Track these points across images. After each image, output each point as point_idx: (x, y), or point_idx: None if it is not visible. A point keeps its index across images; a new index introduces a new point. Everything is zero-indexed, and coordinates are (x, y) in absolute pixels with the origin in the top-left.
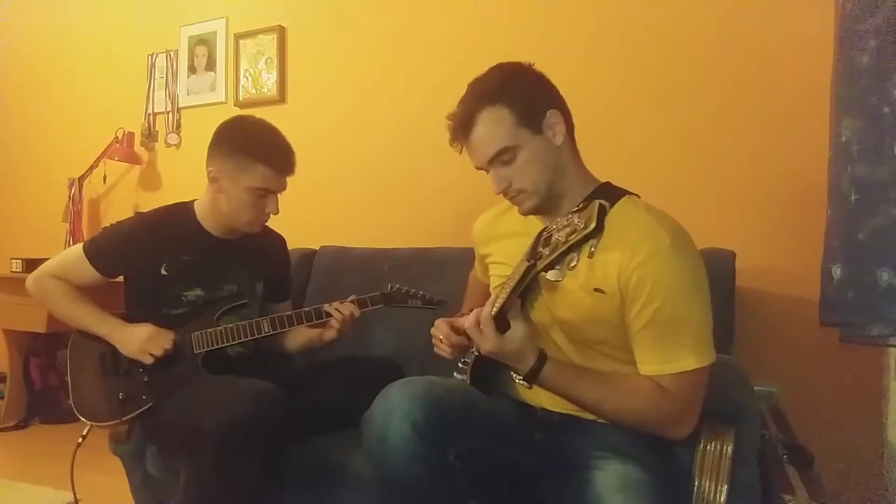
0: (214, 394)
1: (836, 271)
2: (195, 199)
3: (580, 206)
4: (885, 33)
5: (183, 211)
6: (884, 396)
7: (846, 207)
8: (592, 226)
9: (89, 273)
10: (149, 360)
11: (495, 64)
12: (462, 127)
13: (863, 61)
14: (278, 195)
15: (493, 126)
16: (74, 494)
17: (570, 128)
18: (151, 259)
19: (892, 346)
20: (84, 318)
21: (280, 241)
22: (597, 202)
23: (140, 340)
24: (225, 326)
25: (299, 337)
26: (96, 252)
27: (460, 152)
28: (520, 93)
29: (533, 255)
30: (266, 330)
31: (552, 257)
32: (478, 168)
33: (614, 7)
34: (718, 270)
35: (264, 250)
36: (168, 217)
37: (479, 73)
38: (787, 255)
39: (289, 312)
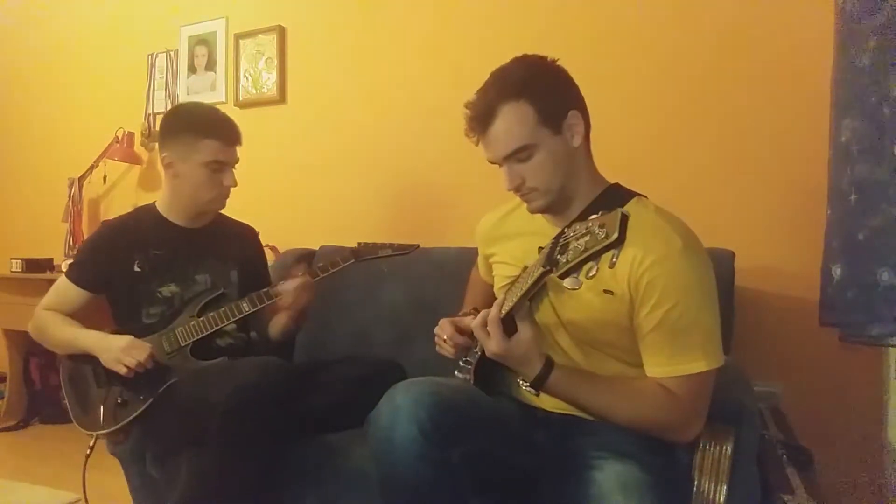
0: (217, 372)
1: (836, 271)
2: (154, 201)
3: (600, 213)
4: (885, 33)
5: (145, 210)
6: (884, 396)
7: (846, 207)
8: (615, 236)
9: (75, 294)
10: (122, 371)
11: (519, 55)
12: (481, 119)
13: (863, 61)
14: (233, 168)
15: (513, 122)
16: (86, 500)
17: (587, 128)
18: (124, 259)
19: (892, 346)
20: (69, 338)
21: (248, 230)
22: (619, 211)
23: (116, 350)
24: (207, 315)
25: (278, 321)
26: (75, 270)
27: (476, 144)
28: (544, 90)
29: (549, 260)
30: (246, 309)
31: (570, 265)
32: (491, 162)
33: (611, 7)
34: (718, 270)
35: (233, 238)
36: (131, 218)
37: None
38: (787, 255)
39: (264, 290)
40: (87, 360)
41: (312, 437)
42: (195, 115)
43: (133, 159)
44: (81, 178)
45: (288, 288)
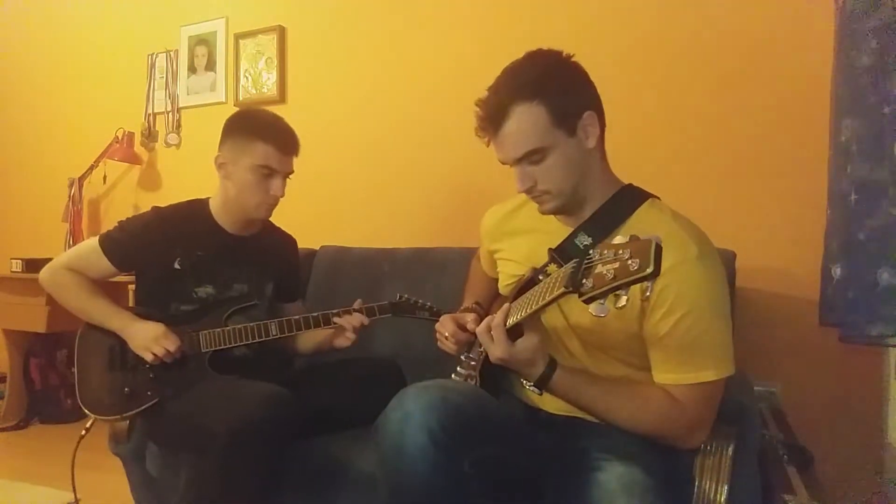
0: (222, 395)
1: (836, 271)
2: (210, 197)
3: (630, 237)
4: (885, 33)
5: (199, 207)
6: (884, 396)
7: (846, 207)
8: (650, 270)
9: (103, 266)
10: (150, 358)
11: (533, 51)
12: (493, 119)
13: (863, 61)
14: (285, 180)
15: (527, 124)
16: (74, 491)
17: (602, 128)
18: (166, 253)
19: (892, 346)
20: (97, 311)
21: (291, 241)
22: (652, 241)
23: (146, 338)
24: (233, 327)
25: (310, 340)
26: (111, 245)
27: (487, 145)
28: (559, 90)
29: (572, 281)
30: (274, 333)
31: (597, 292)
32: (502, 163)
33: (612, 6)
34: None
35: (276, 251)
36: (184, 212)
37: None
38: (787, 255)
39: (296, 317)
40: (106, 338)
41: (313, 438)
42: (254, 118)
43: (133, 159)
44: (81, 178)
45: (354, 323)
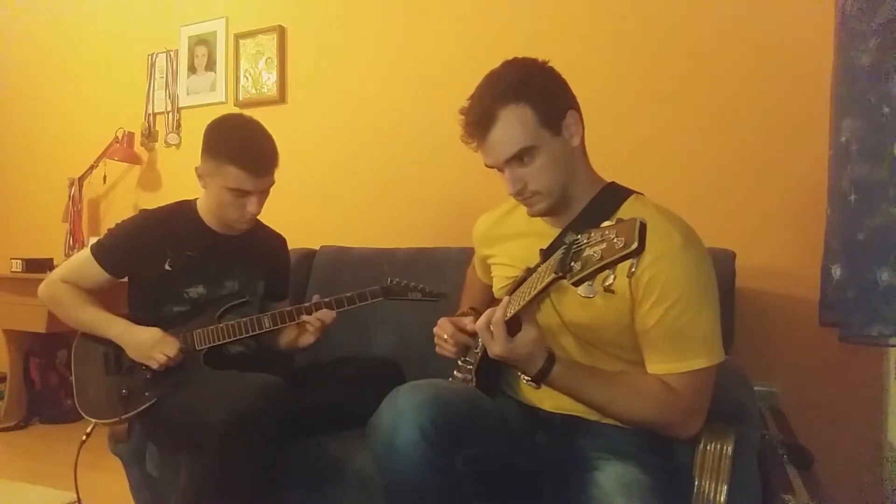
0: (219, 388)
1: (836, 271)
2: (197, 198)
3: (615, 220)
4: (885, 33)
5: (186, 208)
6: (884, 396)
7: (846, 207)
8: (635, 245)
9: (98, 274)
10: (154, 366)
11: (510, 59)
12: (480, 124)
13: (863, 61)
14: (264, 194)
15: (515, 124)
16: (77, 493)
17: (583, 128)
18: (156, 255)
19: (892, 346)
20: (92, 321)
21: (281, 241)
22: (637, 220)
23: (144, 346)
24: (227, 323)
25: (286, 336)
26: (103, 252)
27: (475, 150)
28: (542, 92)
29: (562, 266)
30: (267, 326)
31: (585, 273)
32: (491, 167)
33: (613, 5)
34: (718, 270)
35: (265, 250)
36: (171, 214)
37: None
38: (787, 255)
39: (288, 308)
40: (101, 344)
41: (312, 438)
42: (228, 139)
43: (133, 159)
44: (81, 178)
45: (321, 320)
